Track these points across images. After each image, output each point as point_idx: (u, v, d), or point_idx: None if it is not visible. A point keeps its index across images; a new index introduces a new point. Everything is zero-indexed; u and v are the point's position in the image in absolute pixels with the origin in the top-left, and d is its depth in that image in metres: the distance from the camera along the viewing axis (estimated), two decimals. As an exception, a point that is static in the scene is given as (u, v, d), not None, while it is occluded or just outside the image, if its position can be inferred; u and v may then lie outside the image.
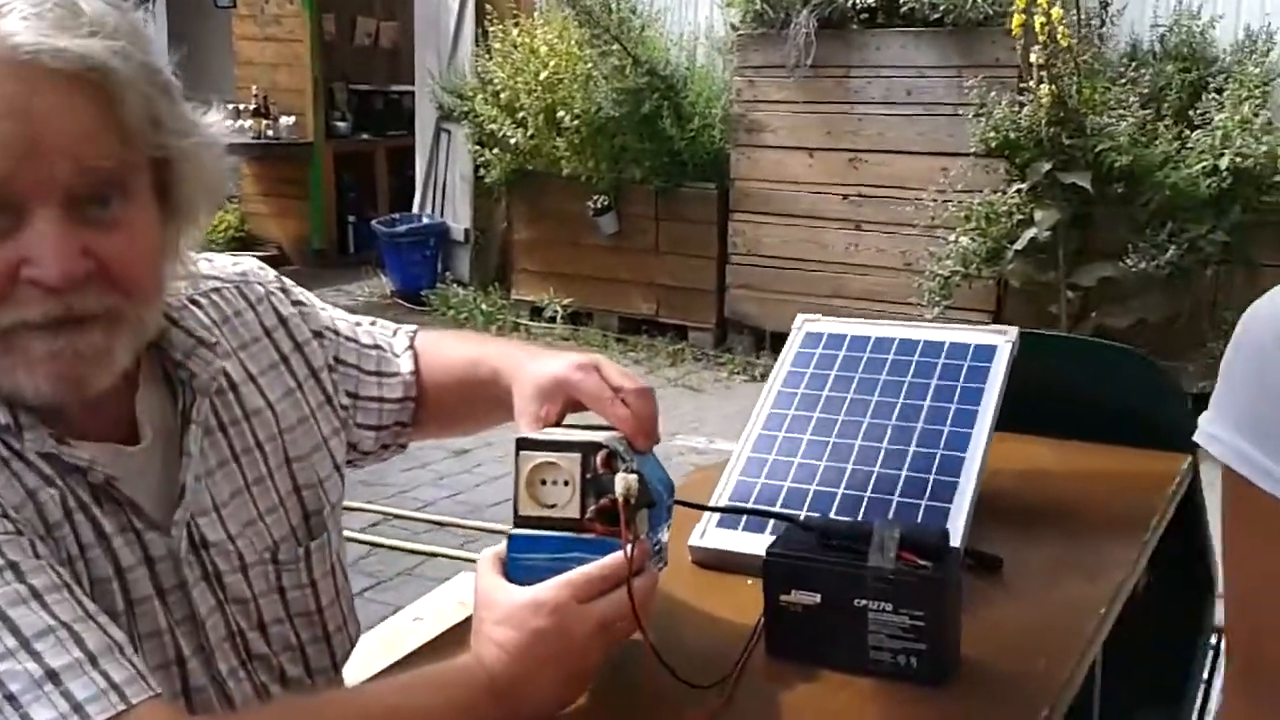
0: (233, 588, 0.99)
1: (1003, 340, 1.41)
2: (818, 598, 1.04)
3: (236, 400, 1.04)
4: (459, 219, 7.17)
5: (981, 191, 4.88)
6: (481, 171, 6.50)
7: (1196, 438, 0.90)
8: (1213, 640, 1.67)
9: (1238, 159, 4.31)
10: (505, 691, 0.89)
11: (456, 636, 1.08)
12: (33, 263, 0.81)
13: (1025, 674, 1.02)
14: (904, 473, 1.28)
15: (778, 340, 6.30)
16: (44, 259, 0.81)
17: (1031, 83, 4.68)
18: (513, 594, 0.93)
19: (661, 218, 5.97)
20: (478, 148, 6.42)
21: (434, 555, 3.50)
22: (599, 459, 0.95)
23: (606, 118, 5.73)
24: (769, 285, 5.66)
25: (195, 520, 0.96)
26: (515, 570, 0.97)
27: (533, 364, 1.10)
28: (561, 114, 5.83)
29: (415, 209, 7.39)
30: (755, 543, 1.22)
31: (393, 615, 2.13)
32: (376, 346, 1.23)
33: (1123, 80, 4.67)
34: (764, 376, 5.94)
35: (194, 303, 1.04)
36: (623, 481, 0.93)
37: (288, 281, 1.17)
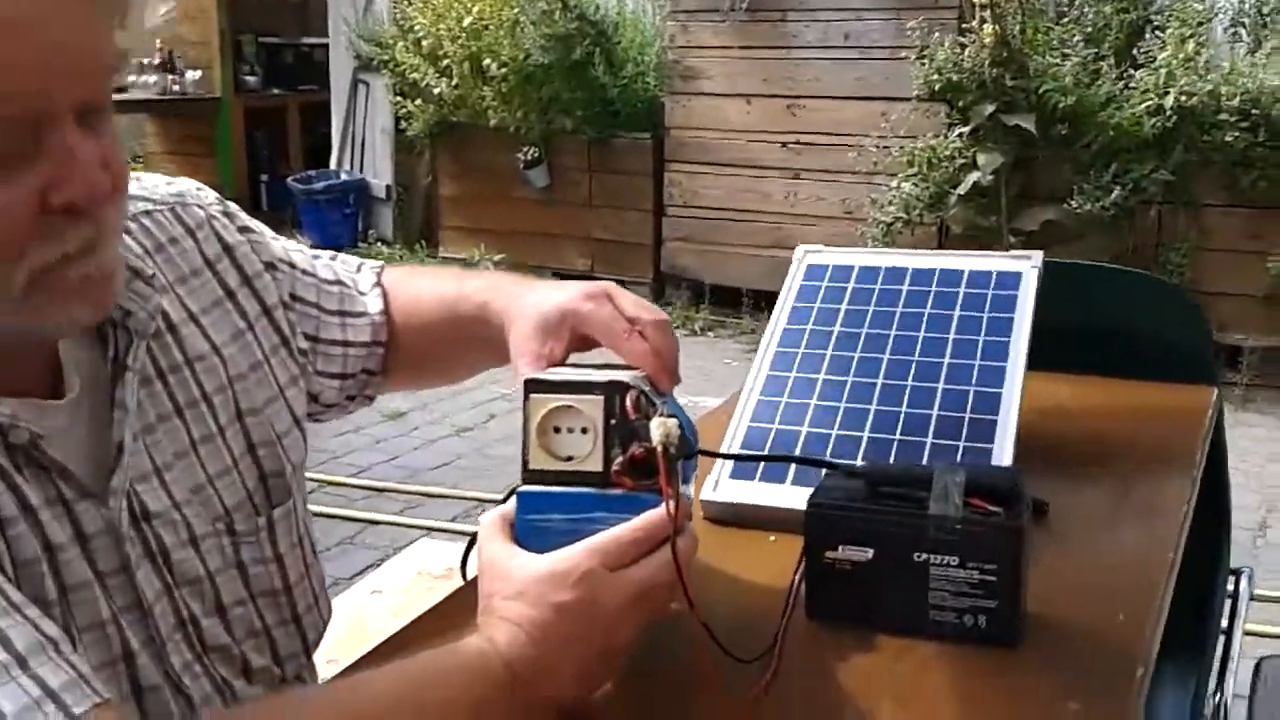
0: (182, 566, 0.83)
1: (1028, 266, 1.29)
2: (869, 553, 0.91)
3: (176, 344, 0.87)
4: (380, 174, 6.90)
5: (923, 136, 4.79)
6: (403, 124, 6.25)
7: None
8: (1229, 584, 1.58)
9: (1182, 97, 4.27)
10: (527, 680, 0.75)
11: (438, 615, 0.94)
12: (63, 185, 0.69)
13: (1105, 630, 0.90)
14: (935, 412, 1.15)
15: (718, 293, 6.19)
16: (75, 179, 0.69)
17: (974, 23, 4.59)
18: (528, 563, 0.78)
19: (595, 169, 5.79)
20: (399, 99, 6.16)
21: (374, 523, 3.32)
22: (627, 401, 0.80)
23: (535, 65, 5.52)
24: (707, 237, 5.53)
25: (135, 488, 0.80)
26: (526, 534, 0.83)
27: (532, 295, 0.95)
28: (488, 62, 5.60)
29: (333, 165, 7.11)
30: (777, 494, 1.09)
31: (346, 588, 1.96)
32: (339, 282, 1.06)
33: (1065, 20, 4.60)
34: (704, 330, 5.83)
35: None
36: (661, 427, 0.79)
37: (232, 205, 1.00)
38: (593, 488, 0.81)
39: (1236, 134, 4.29)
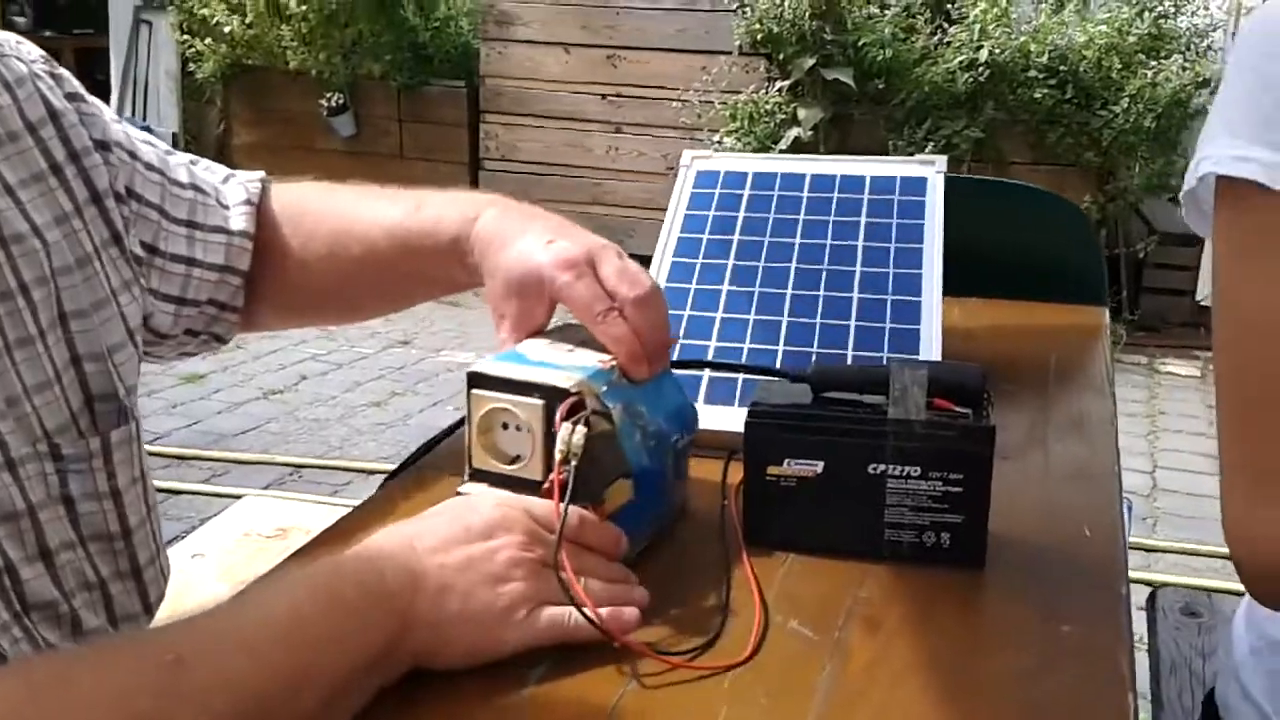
0: None
1: (932, 171, 1.21)
2: (819, 467, 0.79)
3: None
4: (164, 122, 6.39)
5: (745, 90, 4.75)
6: (191, 67, 5.78)
7: (1211, 170, 0.82)
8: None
9: (995, 51, 4.37)
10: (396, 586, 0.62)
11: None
12: None
13: (1072, 546, 0.81)
14: (852, 323, 1.05)
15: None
16: None
17: (794, -26, 4.57)
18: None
19: (405, 119, 5.50)
20: (186, 37, 5.69)
21: (176, 493, 3.02)
22: (563, 407, 0.70)
23: (338, 3, 5.18)
24: (525, 192, 5.31)
25: None
26: None
27: (513, 247, 0.81)
28: (286, -1, 5.23)
29: (113, 112, 6.53)
30: (727, 417, 0.95)
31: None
32: (194, 187, 0.88)
33: (883, -27, 4.64)
34: (525, 286, 5.73)
35: None
36: (565, 436, 0.69)
37: (61, 68, 0.80)
38: (534, 497, 0.72)
39: (1045, 91, 4.43)
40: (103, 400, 0.73)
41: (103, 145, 0.79)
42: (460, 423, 0.99)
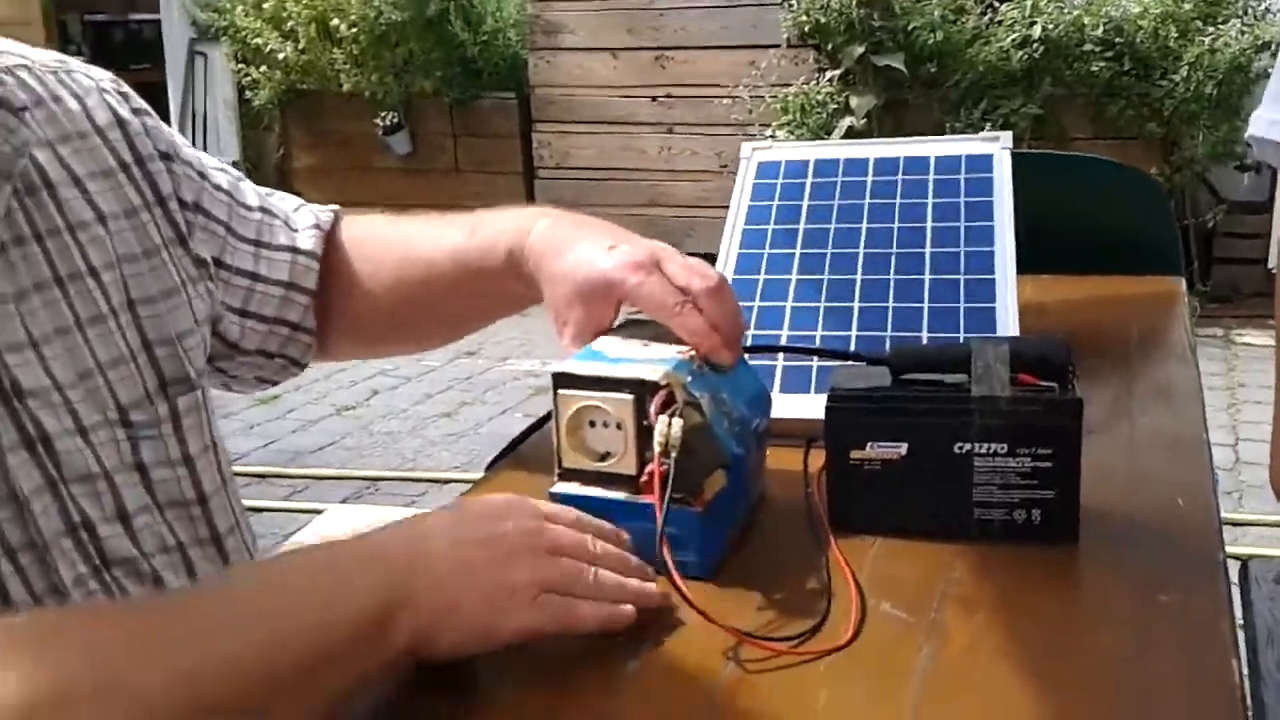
0: (70, 459, 0.67)
1: (997, 147, 1.20)
2: (903, 448, 0.79)
3: (55, 205, 0.72)
4: (225, 151, 6.50)
5: (795, 83, 4.73)
6: (248, 94, 5.88)
7: (1255, 131, 0.83)
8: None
9: (1049, 27, 4.30)
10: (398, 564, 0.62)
11: None
12: None
13: (1167, 518, 0.80)
14: (926, 305, 1.04)
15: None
16: None
17: (839, -38, 4.54)
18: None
19: (459, 133, 5.55)
20: (241, 66, 5.79)
21: (259, 510, 3.08)
22: (657, 400, 0.71)
23: (388, 24, 5.24)
24: (582, 199, 5.36)
25: (4, 358, 0.66)
26: None
27: (572, 253, 0.82)
28: (336, 22, 5.30)
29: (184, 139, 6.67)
30: (803, 405, 0.95)
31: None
32: (263, 210, 0.90)
33: (929, -44, 4.59)
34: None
35: None
36: (662, 431, 0.69)
37: (128, 88, 0.83)
38: (626, 492, 0.74)
39: (1102, 64, 4.35)
40: (175, 384, 0.75)
41: (166, 156, 0.81)
42: (534, 427, 1.00)
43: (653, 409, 0.71)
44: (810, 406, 0.95)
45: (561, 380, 0.75)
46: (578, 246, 0.83)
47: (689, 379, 0.74)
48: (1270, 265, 4.56)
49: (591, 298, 0.81)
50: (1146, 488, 0.84)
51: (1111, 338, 1.15)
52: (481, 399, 3.98)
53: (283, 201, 0.93)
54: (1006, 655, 0.65)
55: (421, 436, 3.64)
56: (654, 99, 5.18)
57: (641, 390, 0.72)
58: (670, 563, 0.66)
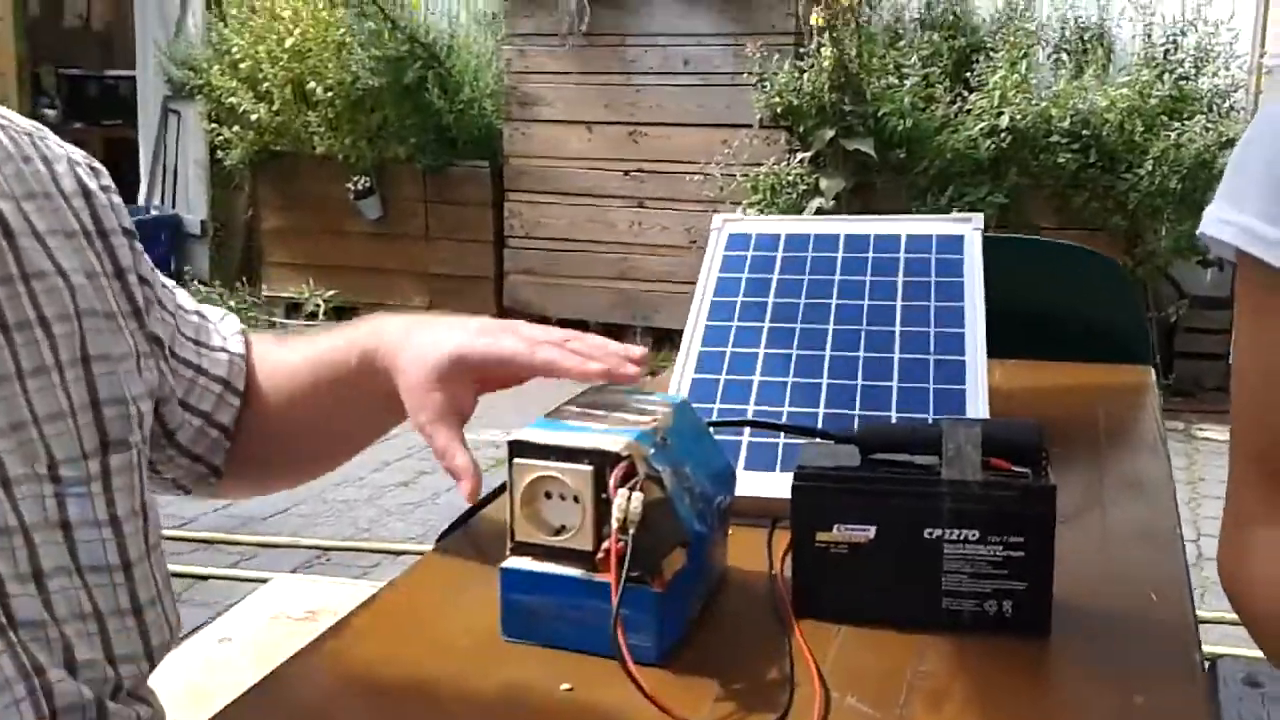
0: None
1: (969, 228, 1.19)
2: (871, 532, 0.75)
3: (13, 252, 0.69)
4: (193, 209, 6.48)
5: (766, 162, 4.77)
6: (220, 154, 5.87)
7: (1204, 228, 0.84)
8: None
9: (1017, 117, 4.37)
10: None
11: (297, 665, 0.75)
12: None
13: (1141, 613, 0.77)
14: (895, 384, 1.02)
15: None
16: None
17: (811, 46, 4.61)
18: None
19: (430, 200, 5.55)
20: (214, 125, 5.78)
21: (204, 578, 2.99)
22: (617, 472, 0.68)
23: (364, 89, 5.26)
24: (550, 269, 5.36)
25: None
26: (510, 616, 0.73)
27: (420, 335, 0.81)
28: (312, 85, 5.31)
29: (141, 200, 6.63)
30: (767, 483, 0.92)
31: (182, 643, 1.69)
32: (199, 314, 0.90)
33: (900, 44, 4.67)
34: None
35: None
36: (621, 504, 0.67)
37: (100, 165, 0.82)
38: (582, 569, 0.70)
39: (1068, 156, 4.42)
40: (116, 445, 0.71)
41: (129, 233, 0.80)
42: (488, 499, 0.96)
43: (612, 482, 0.68)
44: (776, 485, 0.92)
45: (518, 449, 0.72)
46: (425, 333, 0.81)
47: (652, 451, 0.71)
48: (1231, 360, 4.62)
49: (445, 377, 0.78)
50: (1119, 581, 0.81)
51: (1080, 425, 1.13)
52: (440, 468, 3.92)
53: (211, 310, 0.92)
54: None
55: (377, 505, 3.56)
56: (626, 173, 5.21)
57: (602, 461, 0.69)
58: (624, 647, 0.63)
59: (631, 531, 0.66)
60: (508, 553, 0.73)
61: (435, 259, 5.60)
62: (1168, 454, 1.06)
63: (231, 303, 5.94)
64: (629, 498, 0.66)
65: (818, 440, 0.83)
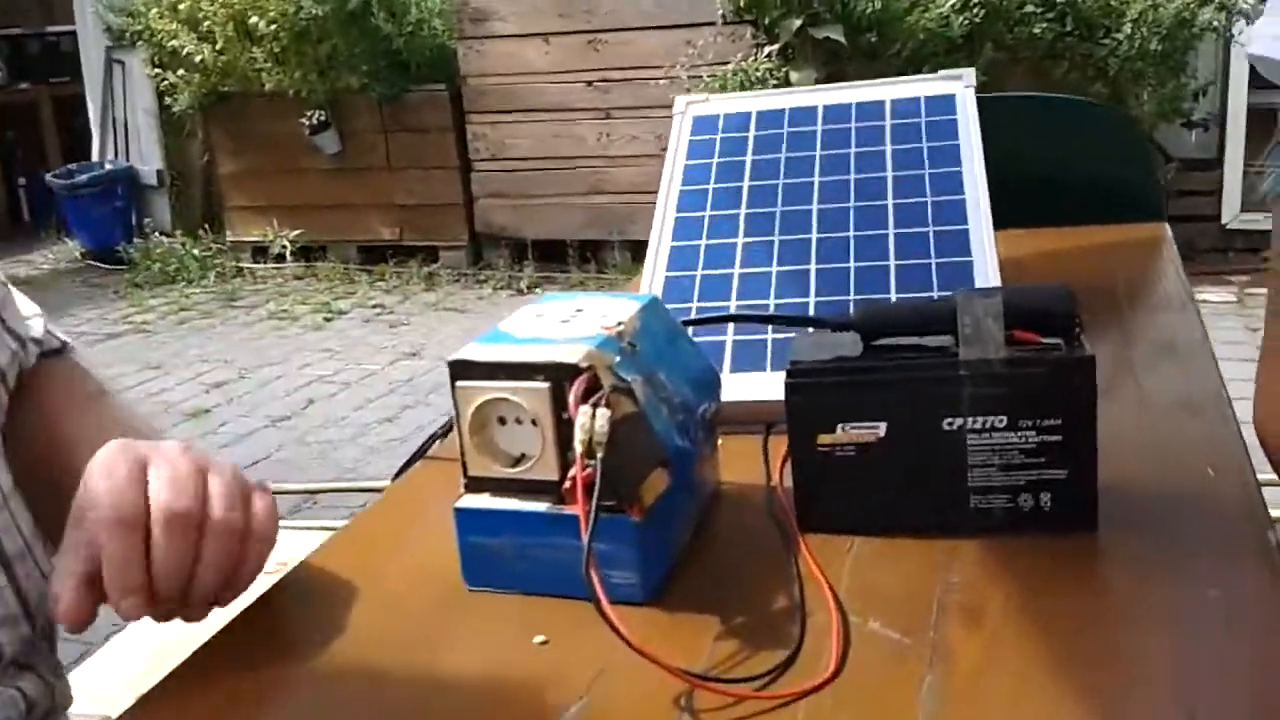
0: None
1: (960, 86, 1.07)
2: (881, 429, 0.65)
3: None
4: (148, 161, 6.28)
5: (732, 60, 4.59)
6: (168, 100, 5.64)
7: (1254, 50, 0.72)
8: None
9: (989, -12, 4.20)
10: None
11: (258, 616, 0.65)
12: None
13: (1195, 493, 0.67)
14: (892, 262, 0.91)
15: (541, 249, 5.89)
16: None
17: (772, -66, 4.41)
18: None
19: (389, 129, 5.35)
20: (159, 71, 5.56)
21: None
22: (576, 386, 0.57)
23: (308, 19, 5.03)
24: (521, 190, 5.20)
25: None
26: (470, 562, 0.63)
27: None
28: (254, 20, 5.08)
29: (95, 156, 6.42)
30: (756, 385, 0.81)
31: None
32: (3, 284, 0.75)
33: (863, -77, 4.48)
34: (532, 288, 5.52)
35: None
36: (584, 423, 0.56)
37: None
38: (547, 503, 0.60)
39: (1044, 26, 4.26)
40: None
41: None
42: (446, 430, 0.85)
43: (572, 398, 0.57)
44: (767, 386, 0.81)
45: (460, 370, 0.61)
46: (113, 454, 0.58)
47: (617, 359, 0.60)
48: (1224, 221, 4.51)
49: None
50: (1168, 458, 0.71)
51: (1100, 290, 1.02)
52: (425, 401, 3.82)
53: (24, 299, 0.77)
54: (1027, 677, 0.52)
55: (361, 445, 3.46)
56: (589, 84, 5.02)
57: (559, 375, 0.58)
58: (599, 588, 0.52)
59: (600, 455, 0.55)
60: (461, 490, 0.62)
61: (400, 190, 5.43)
62: (1198, 310, 0.96)
63: (196, 251, 5.79)
64: (593, 415, 0.56)
65: (811, 330, 0.72)
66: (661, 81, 4.76)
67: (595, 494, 0.55)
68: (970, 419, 0.64)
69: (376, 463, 3.32)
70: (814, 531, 0.66)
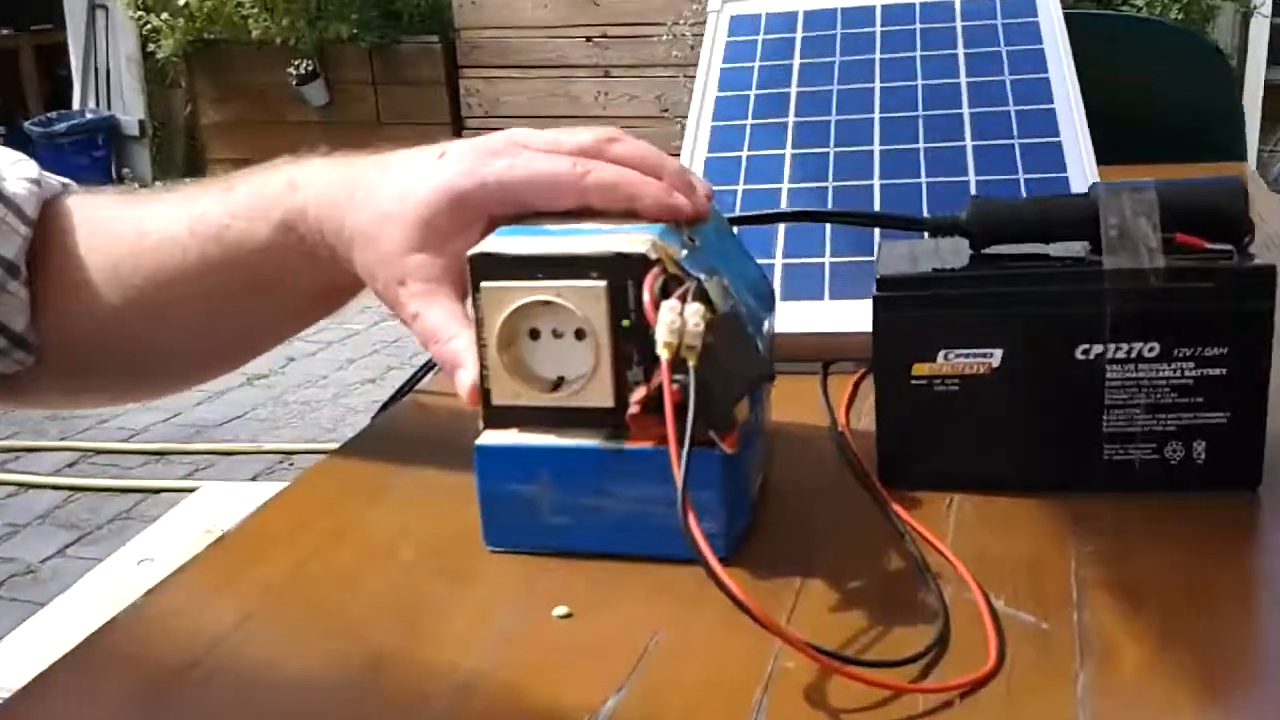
0: None
1: (1042, -14, 0.92)
2: (995, 357, 0.51)
3: None
4: (130, 110, 6.08)
5: (737, 18, 4.44)
6: (151, 47, 5.46)
7: None
8: None
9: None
10: None
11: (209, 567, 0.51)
12: None
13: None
14: (971, 178, 0.77)
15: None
16: None
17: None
18: None
19: (380, 81, 5.18)
20: (141, 14, 5.36)
21: (156, 491, 2.75)
22: (648, 282, 0.44)
23: (299, -37, 4.87)
24: (512, 148, 5.04)
25: None
26: (493, 517, 0.49)
27: (381, 189, 0.53)
28: (243, -37, 4.91)
29: (76, 104, 6.23)
30: (810, 316, 0.68)
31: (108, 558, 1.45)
32: None
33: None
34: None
35: None
36: (670, 323, 0.43)
37: None
38: (601, 437, 0.47)
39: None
40: None
41: None
42: (430, 365, 0.71)
43: (648, 293, 0.43)
44: (825, 316, 0.68)
45: (485, 267, 0.46)
46: (389, 175, 0.53)
47: (684, 253, 0.46)
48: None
49: (437, 230, 0.51)
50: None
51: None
52: (409, 362, 3.67)
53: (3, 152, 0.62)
54: (1206, 671, 0.39)
55: (342, 405, 3.32)
56: (589, 39, 4.86)
57: (621, 269, 0.44)
58: (702, 540, 0.39)
59: (692, 367, 0.41)
60: (482, 424, 0.48)
61: (389, 144, 5.23)
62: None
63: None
64: (681, 311, 0.42)
65: (906, 233, 0.58)
66: (664, 37, 4.60)
67: (689, 420, 0.41)
68: (1113, 347, 0.50)
69: (358, 424, 3.17)
70: (901, 485, 0.52)
